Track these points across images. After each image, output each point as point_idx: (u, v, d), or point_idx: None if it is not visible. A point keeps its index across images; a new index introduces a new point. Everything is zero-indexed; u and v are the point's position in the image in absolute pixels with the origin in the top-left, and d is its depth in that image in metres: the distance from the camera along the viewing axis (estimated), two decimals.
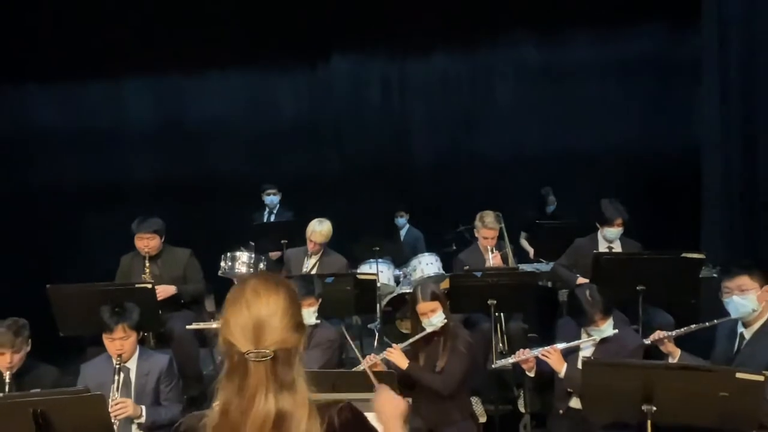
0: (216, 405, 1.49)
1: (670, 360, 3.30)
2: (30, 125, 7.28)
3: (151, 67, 7.45)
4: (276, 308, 1.45)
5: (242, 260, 5.58)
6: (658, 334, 3.35)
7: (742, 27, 5.37)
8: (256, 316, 1.43)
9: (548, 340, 3.64)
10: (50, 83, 7.37)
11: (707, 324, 3.37)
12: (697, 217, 5.75)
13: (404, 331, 4.96)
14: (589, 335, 3.43)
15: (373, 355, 3.68)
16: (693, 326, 3.39)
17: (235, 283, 1.55)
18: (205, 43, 7.16)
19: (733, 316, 3.20)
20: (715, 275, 4.51)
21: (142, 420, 3.40)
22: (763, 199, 5.48)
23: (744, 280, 3.14)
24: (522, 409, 3.82)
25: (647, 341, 3.44)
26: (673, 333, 3.36)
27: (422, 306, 3.58)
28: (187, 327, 4.49)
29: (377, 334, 5.75)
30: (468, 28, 7.50)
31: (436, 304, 3.57)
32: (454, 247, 6.51)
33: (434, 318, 3.56)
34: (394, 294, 5.59)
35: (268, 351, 1.41)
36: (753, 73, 5.36)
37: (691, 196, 5.84)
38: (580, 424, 3.35)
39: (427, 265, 5.76)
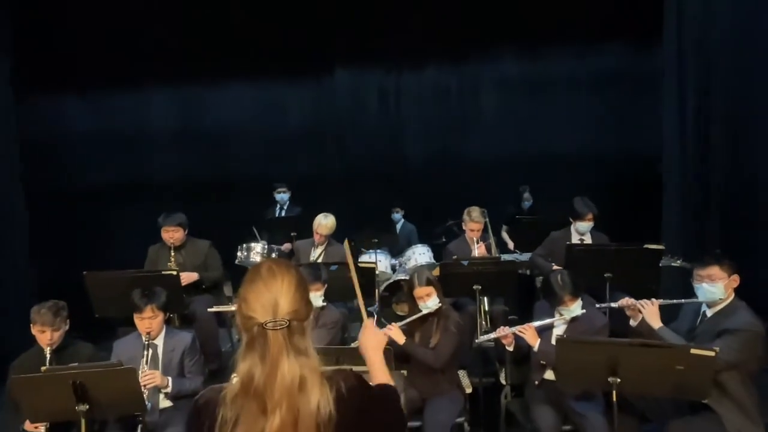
0: (234, 377, 1.51)
1: (632, 323, 3.31)
2: (67, 131, 7.26)
3: (175, 79, 7.46)
4: (289, 285, 1.49)
5: (256, 250, 5.60)
6: (626, 301, 3.33)
7: (699, 47, 5.43)
8: (273, 291, 1.47)
9: (526, 321, 3.66)
10: (85, 93, 7.36)
11: (674, 301, 3.36)
12: (658, 214, 5.79)
13: (400, 314, 4.96)
14: (561, 314, 3.47)
15: None
16: (662, 300, 3.29)
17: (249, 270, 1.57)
18: (223, 58, 7.16)
19: (701, 300, 3.18)
20: (673, 264, 4.53)
21: (169, 389, 3.44)
22: (715, 198, 5.54)
23: (714, 270, 3.11)
24: (503, 381, 3.84)
25: (615, 305, 3.43)
26: (642, 301, 3.28)
27: (418, 291, 3.61)
28: (208, 309, 4.51)
29: (375, 316, 5.77)
30: (457, 44, 7.53)
31: (430, 288, 3.60)
32: (444, 239, 6.53)
33: (430, 302, 3.59)
34: (391, 281, 5.60)
35: (284, 320, 1.45)
36: (707, 88, 5.42)
37: (653, 195, 5.88)
38: (553, 393, 3.39)
39: (420, 255, 5.77)
